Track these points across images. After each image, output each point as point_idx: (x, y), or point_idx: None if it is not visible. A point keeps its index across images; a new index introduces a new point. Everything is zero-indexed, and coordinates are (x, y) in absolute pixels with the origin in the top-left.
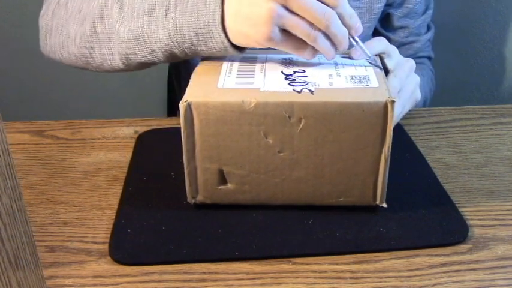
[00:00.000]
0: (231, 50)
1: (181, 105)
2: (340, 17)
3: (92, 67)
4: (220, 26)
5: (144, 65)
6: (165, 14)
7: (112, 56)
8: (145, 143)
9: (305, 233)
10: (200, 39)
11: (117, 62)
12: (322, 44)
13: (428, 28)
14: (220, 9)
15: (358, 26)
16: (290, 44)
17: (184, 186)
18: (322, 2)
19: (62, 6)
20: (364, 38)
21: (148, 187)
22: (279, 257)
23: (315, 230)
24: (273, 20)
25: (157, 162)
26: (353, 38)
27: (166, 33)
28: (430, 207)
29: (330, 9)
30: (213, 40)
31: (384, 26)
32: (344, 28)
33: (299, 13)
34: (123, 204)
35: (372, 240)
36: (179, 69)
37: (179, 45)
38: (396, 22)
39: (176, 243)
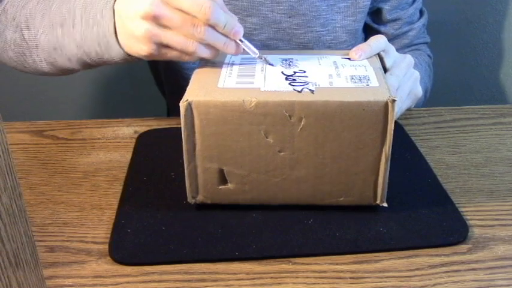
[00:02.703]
0: (130, 58)
1: (182, 104)
2: (214, 27)
3: (29, 71)
4: (114, 37)
5: (70, 71)
6: (72, 25)
7: (41, 61)
8: (145, 143)
9: (305, 233)
10: (103, 49)
11: (45, 67)
12: (203, 52)
13: (421, 14)
14: (113, 21)
15: (236, 31)
16: (173, 55)
17: (185, 186)
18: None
19: (3, 13)
20: (350, 32)
21: (148, 187)
22: (278, 257)
23: (315, 230)
24: (150, 40)
25: (157, 162)
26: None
27: (74, 44)
28: (430, 207)
29: (201, 24)
30: (112, 49)
31: (375, 21)
32: (221, 36)
33: (172, 29)
34: (123, 204)
35: (371, 240)
36: (159, 76)
37: (87, 55)
38: (388, 15)
39: (176, 243)
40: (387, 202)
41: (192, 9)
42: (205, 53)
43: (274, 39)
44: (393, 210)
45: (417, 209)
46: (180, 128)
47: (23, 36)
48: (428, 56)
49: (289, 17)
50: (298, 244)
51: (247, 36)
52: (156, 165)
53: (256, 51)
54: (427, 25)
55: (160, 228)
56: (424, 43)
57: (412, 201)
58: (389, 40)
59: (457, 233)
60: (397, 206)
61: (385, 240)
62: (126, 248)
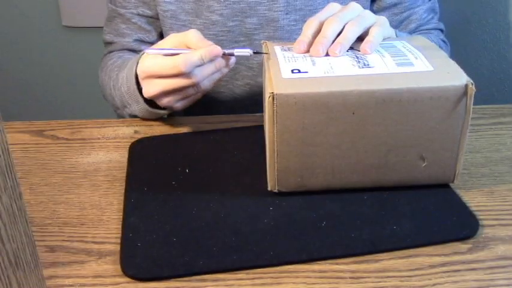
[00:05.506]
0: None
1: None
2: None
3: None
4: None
5: (154, 114)
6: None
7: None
8: (138, 153)
9: (320, 235)
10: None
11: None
12: (207, 85)
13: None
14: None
15: (213, 54)
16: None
17: (188, 194)
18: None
19: (102, 70)
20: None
21: (151, 197)
22: (297, 262)
23: (330, 231)
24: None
25: (154, 172)
26: (225, 54)
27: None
28: (436, 204)
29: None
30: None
31: (376, 8)
32: (208, 66)
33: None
34: (128, 217)
35: (372, 240)
36: None
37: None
38: (387, 0)
39: (191, 255)
40: (387, 203)
41: (170, 71)
42: (209, 83)
43: (275, 38)
44: (394, 210)
45: (418, 208)
46: (173, 134)
47: (112, 97)
48: (442, 40)
49: (286, 13)
50: (316, 247)
51: (249, 36)
52: (155, 174)
53: (248, 50)
54: (437, 11)
55: (171, 240)
56: (436, 29)
57: (412, 201)
58: (393, 27)
59: (465, 229)
60: (398, 205)
61: (386, 240)
62: (139, 263)
